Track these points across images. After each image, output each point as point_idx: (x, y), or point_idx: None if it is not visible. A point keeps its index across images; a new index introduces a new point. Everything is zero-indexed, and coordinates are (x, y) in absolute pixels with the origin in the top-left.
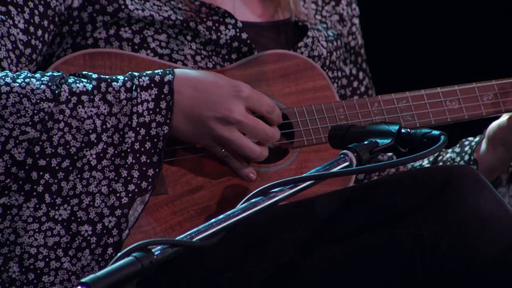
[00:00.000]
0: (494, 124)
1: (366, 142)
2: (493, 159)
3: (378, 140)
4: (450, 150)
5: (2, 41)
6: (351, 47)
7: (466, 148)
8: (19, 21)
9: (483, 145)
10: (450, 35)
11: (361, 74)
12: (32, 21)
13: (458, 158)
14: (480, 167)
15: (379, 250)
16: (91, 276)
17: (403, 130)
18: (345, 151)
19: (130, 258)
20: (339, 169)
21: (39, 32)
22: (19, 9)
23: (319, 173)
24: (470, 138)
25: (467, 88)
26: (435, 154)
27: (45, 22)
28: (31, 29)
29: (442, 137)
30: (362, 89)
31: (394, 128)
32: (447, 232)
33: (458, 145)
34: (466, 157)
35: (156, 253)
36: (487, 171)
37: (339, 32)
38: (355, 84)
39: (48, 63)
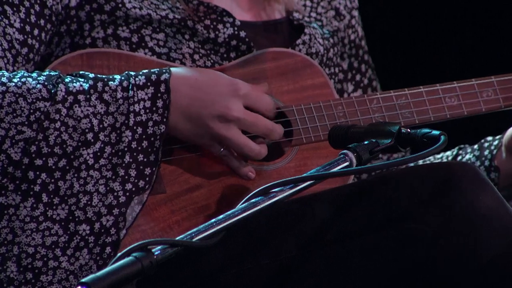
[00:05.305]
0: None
1: (366, 142)
2: None
3: (378, 140)
4: (469, 151)
5: None
6: (351, 40)
7: (486, 152)
8: (14, 21)
9: (503, 153)
10: (449, 31)
11: (363, 67)
12: (28, 20)
13: (478, 163)
14: (501, 173)
15: (379, 250)
16: (91, 276)
17: (403, 130)
18: (345, 151)
19: (130, 258)
20: (339, 169)
21: (36, 31)
22: (14, 9)
23: (319, 173)
24: (489, 139)
25: (466, 85)
26: (454, 154)
27: (42, 21)
28: (27, 28)
29: (442, 137)
30: (366, 81)
31: (394, 128)
32: (446, 230)
33: (477, 147)
34: (487, 163)
35: (156, 253)
36: (509, 176)
37: (335, 28)
38: (358, 77)
39: (47, 63)
